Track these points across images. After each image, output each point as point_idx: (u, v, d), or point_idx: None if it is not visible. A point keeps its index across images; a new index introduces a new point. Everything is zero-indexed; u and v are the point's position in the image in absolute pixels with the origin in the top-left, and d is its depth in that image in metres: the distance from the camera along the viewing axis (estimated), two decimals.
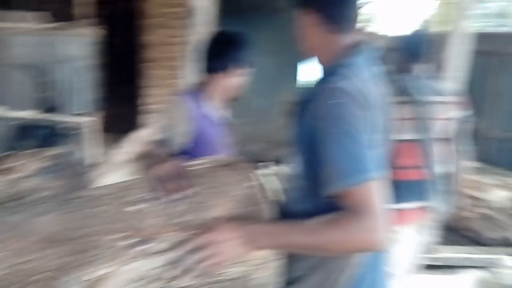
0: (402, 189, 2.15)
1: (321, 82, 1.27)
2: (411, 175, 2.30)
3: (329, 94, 1.17)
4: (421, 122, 2.28)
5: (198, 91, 1.95)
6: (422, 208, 2.35)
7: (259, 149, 8.13)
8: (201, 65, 1.95)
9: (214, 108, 1.98)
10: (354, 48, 1.29)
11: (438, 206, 2.35)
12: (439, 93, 2.36)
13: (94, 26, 4.54)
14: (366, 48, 1.31)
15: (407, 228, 2.36)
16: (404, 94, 2.27)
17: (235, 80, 1.94)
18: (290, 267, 1.32)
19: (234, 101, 2.07)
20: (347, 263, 1.28)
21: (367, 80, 1.24)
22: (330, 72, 1.26)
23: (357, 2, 1.32)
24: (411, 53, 2.42)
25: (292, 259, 1.30)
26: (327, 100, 1.16)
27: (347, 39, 1.30)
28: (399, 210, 2.23)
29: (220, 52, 1.89)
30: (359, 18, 1.33)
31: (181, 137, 1.80)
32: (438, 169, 2.34)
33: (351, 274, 1.28)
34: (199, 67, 1.97)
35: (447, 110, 2.36)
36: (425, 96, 2.29)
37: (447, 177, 2.38)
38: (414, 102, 2.27)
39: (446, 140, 2.36)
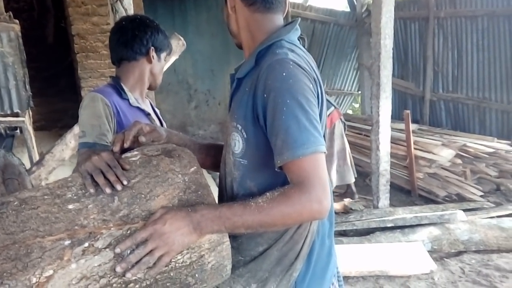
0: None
1: (262, 57, 1.25)
2: None
3: (280, 66, 1.16)
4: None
5: (118, 82, 1.79)
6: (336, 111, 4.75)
7: (210, 132, 8.07)
8: (114, 54, 1.81)
9: (139, 97, 1.84)
10: (286, 27, 1.31)
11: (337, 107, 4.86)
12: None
13: (15, 19, 4.24)
14: (294, 27, 1.33)
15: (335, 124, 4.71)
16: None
17: (154, 65, 1.81)
18: (248, 245, 1.31)
19: (156, 88, 1.91)
20: (308, 232, 1.29)
21: (305, 56, 1.27)
22: (269, 48, 1.25)
23: None
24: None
25: (249, 236, 1.28)
26: (278, 72, 1.16)
27: (278, 18, 1.32)
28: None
29: (132, 39, 1.74)
30: None
31: (107, 133, 1.63)
32: None
33: (312, 241, 1.31)
34: (112, 57, 1.83)
35: None
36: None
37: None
38: None
39: None
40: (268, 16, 1.30)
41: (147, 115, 1.81)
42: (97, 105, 1.64)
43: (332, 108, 4.69)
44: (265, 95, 1.16)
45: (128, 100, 1.75)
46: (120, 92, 1.74)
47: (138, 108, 1.78)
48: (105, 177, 1.13)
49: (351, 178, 4.90)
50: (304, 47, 1.33)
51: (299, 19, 1.43)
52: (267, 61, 1.20)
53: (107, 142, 1.58)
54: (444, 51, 6.78)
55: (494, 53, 6.10)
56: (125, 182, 1.13)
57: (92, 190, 1.11)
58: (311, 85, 1.18)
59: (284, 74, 1.15)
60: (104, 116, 1.63)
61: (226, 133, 1.34)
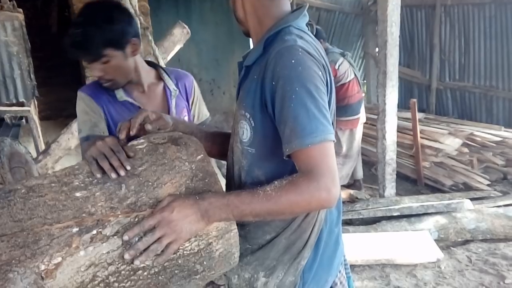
0: (355, 107, 4.60)
1: (271, 44, 1.23)
2: (357, 97, 4.61)
3: (289, 54, 1.14)
4: (353, 68, 4.63)
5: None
6: (360, 117, 4.70)
7: (215, 121, 8.06)
8: None
9: (133, 89, 1.73)
10: (295, 13, 1.29)
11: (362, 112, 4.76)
12: (345, 53, 4.69)
13: (18, 8, 4.22)
14: (303, 13, 1.30)
15: (356, 128, 4.71)
16: (343, 56, 4.56)
17: (133, 58, 1.67)
18: (255, 233, 1.30)
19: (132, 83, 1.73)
20: (316, 220, 1.28)
21: (314, 42, 1.25)
22: (277, 34, 1.23)
23: None
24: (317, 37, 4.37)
25: (256, 224, 1.28)
26: (287, 59, 1.14)
27: (285, 3, 1.30)
28: (353, 120, 4.63)
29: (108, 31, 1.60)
30: None
31: (99, 123, 1.64)
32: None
33: (319, 230, 1.30)
34: None
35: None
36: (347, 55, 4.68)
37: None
38: (348, 60, 4.60)
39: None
40: (276, 1, 1.28)
41: (137, 108, 1.70)
42: (82, 102, 1.69)
43: (363, 108, 4.79)
44: (273, 83, 1.15)
45: (115, 96, 1.70)
46: (108, 89, 1.69)
47: (127, 102, 1.71)
48: (104, 163, 1.13)
49: (362, 174, 5.05)
50: (312, 33, 1.31)
51: (307, 4, 1.41)
52: (276, 48, 1.18)
53: (100, 132, 1.62)
54: (451, 39, 6.70)
55: (502, 41, 6.03)
56: (128, 168, 1.12)
57: (98, 175, 1.11)
58: (320, 73, 1.16)
59: (293, 61, 1.13)
60: (91, 110, 1.66)
61: (234, 121, 1.33)
